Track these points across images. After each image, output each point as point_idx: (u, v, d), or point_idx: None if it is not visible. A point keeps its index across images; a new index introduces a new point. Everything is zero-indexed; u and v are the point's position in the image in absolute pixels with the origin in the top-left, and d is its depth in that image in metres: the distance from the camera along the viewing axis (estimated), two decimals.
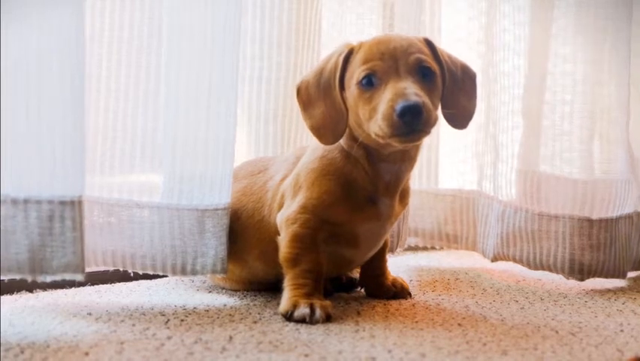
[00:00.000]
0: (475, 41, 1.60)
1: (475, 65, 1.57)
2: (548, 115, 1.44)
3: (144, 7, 1.16)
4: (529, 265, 1.43)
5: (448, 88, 1.11)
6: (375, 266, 1.24)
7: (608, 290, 1.36)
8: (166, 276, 1.30)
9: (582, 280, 1.39)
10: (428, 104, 1.01)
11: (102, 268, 1.23)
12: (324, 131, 1.10)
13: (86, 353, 0.87)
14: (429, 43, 1.11)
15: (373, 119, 1.03)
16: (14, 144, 0.97)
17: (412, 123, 0.99)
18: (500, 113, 1.48)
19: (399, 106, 0.99)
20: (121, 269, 1.16)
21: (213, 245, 1.15)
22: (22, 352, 0.87)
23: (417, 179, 1.60)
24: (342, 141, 1.12)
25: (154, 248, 1.14)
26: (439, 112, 1.10)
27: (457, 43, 1.63)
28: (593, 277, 1.39)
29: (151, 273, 1.17)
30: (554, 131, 1.44)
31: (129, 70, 1.16)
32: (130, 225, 1.14)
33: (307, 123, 1.12)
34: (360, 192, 1.11)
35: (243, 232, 1.18)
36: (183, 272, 1.15)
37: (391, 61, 1.04)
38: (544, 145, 1.45)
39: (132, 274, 1.26)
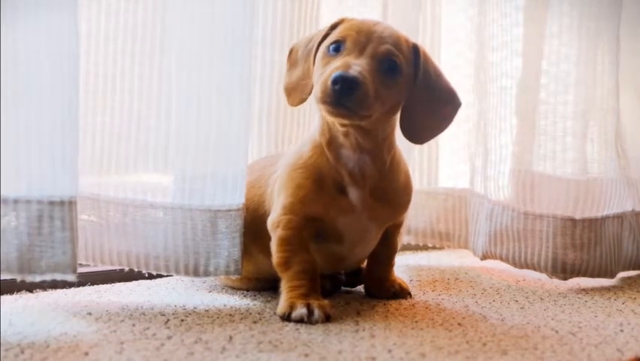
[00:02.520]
0: (472, 42, 1.60)
1: (471, 66, 1.58)
2: (539, 115, 1.44)
3: (157, 6, 1.16)
4: (514, 264, 1.44)
5: (416, 100, 1.10)
6: (380, 270, 1.24)
7: (608, 290, 1.37)
8: (171, 276, 1.30)
9: (565, 279, 1.40)
10: (368, 86, 1.00)
11: (109, 268, 1.23)
12: (294, 92, 1.13)
13: (86, 353, 0.87)
14: (415, 49, 1.10)
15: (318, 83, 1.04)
16: (4, 144, 0.97)
17: (340, 95, 0.99)
18: (492, 112, 1.48)
19: (335, 74, 0.99)
20: (135, 270, 1.16)
21: (226, 246, 1.15)
22: (22, 352, 0.87)
23: (416, 178, 1.61)
24: (317, 127, 1.13)
25: (167, 249, 1.15)
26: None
27: (457, 44, 1.63)
28: (576, 276, 1.40)
29: (164, 274, 1.17)
30: (543, 131, 1.44)
31: (142, 70, 1.16)
32: (144, 225, 1.15)
33: (283, 82, 1.16)
34: (328, 181, 1.11)
35: (251, 223, 1.18)
36: (196, 273, 1.15)
37: (363, 39, 1.05)
38: (533, 145, 1.45)
39: (132, 274, 1.26)
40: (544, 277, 1.46)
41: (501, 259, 1.46)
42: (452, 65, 1.63)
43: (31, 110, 0.98)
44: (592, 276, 1.40)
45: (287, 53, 1.18)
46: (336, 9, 1.51)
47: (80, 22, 1.02)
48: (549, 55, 1.43)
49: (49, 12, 0.98)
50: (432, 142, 1.61)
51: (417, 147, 1.59)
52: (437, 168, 1.65)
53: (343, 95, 0.99)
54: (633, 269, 1.53)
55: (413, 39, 1.13)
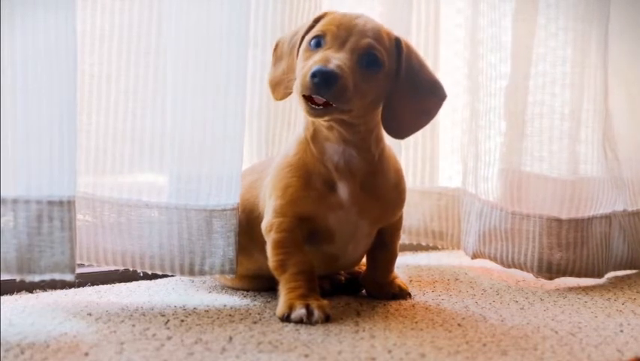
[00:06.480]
0: (468, 43, 1.60)
1: (463, 68, 1.57)
2: (528, 116, 1.45)
3: (152, 6, 1.16)
4: (502, 263, 1.45)
5: (399, 93, 1.10)
6: (380, 275, 1.24)
7: (608, 291, 1.37)
8: (167, 276, 1.30)
9: (551, 278, 1.41)
10: (347, 79, 1.01)
11: (108, 268, 1.23)
12: (278, 86, 1.14)
13: (86, 354, 0.87)
14: (397, 43, 1.10)
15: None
16: (3, 144, 0.97)
17: (319, 88, 0.99)
18: (484, 113, 1.48)
19: (314, 68, 1.00)
20: (130, 269, 1.17)
21: (221, 245, 1.15)
22: (22, 352, 0.87)
23: (410, 177, 1.61)
24: (302, 123, 1.13)
25: (163, 248, 1.15)
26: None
27: (456, 44, 1.63)
28: (562, 276, 1.40)
29: (160, 273, 1.17)
30: (530, 132, 1.45)
31: (137, 70, 1.16)
32: (139, 225, 1.15)
33: (268, 77, 1.16)
34: (316, 177, 1.11)
35: (247, 225, 1.18)
36: (191, 273, 1.16)
37: (344, 33, 1.06)
38: (521, 145, 1.46)
39: (132, 275, 1.26)
40: None
41: (490, 258, 1.47)
42: (452, 65, 1.63)
43: (29, 110, 0.98)
44: (579, 276, 1.41)
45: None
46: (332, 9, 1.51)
47: (75, 23, 1.02)
48: (537, 57, 1.44)
49: (47, 12, 0.98)
50: (429, 141, 1.62)
51: (411, 145, 1.60)
52: (437, 168, 1.65)
53: (322, 88, 0.99)
54: (624, 269, 1.54)
55: (397, 32, 1.13)
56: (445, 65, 1.63)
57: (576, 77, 1.44)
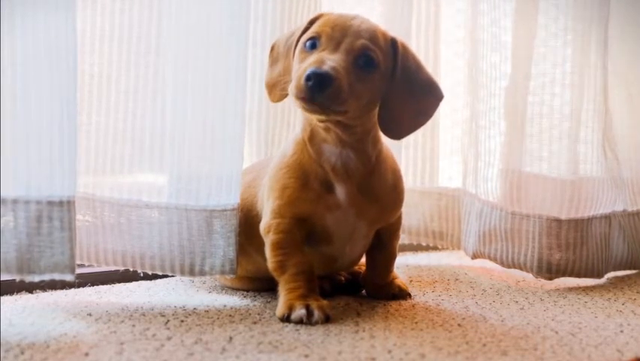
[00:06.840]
0: (468, 44, 1.60)
1: (464, 68, 1.57)
2: (528, 116, 1.45)
3: (152, 6, 1.16)
4: (502, 264, 1.45)
5: (395, 93, 1.09)
6: (378, 275, 1.23)
7: (608, 291, 1.37)
8: (168, 276, 1.30)
9: (550, 279, 1.41)
10: (341, 81, 1.00)
11: (108, 268, 1.23)
12: (274, 88, 1.14)
13: (86, 354, 0.87)
14: (393, 43, 1.10)
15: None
16: (3, 144, 0.97)
17: (313, 90, 0.99)
18: (484, 113, 1.49)
19: (308, 70, 1.00)
20: (131, 269, 1.17)
21: (221, 246, 1.15)
22: (22, 352, 0.87)
23: (410, 177, 1.61)
24: (300, 125, 1.13)
25: (163, 249, 1.15)
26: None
27: (456, 45, 1.63)
28: (562, 276, 1.41)
29: (160, 273, 1.17)
30: (530, 132, 1.45)
31: (137, 70, 1.16)
32: (139, 225, 1.15)
33: (265, 79, 1.16)
34: (313, 178, 1.11)
35: (245, 223, 1.18)
36: (192, 273, 1.16)
37: (339, 34, 1.05)
38: (521, 145, 1.46)
39: (132, 275, 1.26)
40: None
41: (489, 258, 1.47)
42: (452, 65, 1.63)
43: (29, 110, 0.98)
44: (578, 276, 1.42)
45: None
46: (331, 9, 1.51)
47: (75, 22, 1.02)
48: (537, 56, 1.44)
49: (47, 12, 0.98)
50: (429, 141, 1.62)
51: (411, 145, 1.60)
52: (437, 168, 1.65)
53: (316, 90, 0.99)
54: (624, 269, 1.54)
55: (396, 33, 1.13)
56: (445, 65, 1.63)
57: (576, 77, 1.44)
